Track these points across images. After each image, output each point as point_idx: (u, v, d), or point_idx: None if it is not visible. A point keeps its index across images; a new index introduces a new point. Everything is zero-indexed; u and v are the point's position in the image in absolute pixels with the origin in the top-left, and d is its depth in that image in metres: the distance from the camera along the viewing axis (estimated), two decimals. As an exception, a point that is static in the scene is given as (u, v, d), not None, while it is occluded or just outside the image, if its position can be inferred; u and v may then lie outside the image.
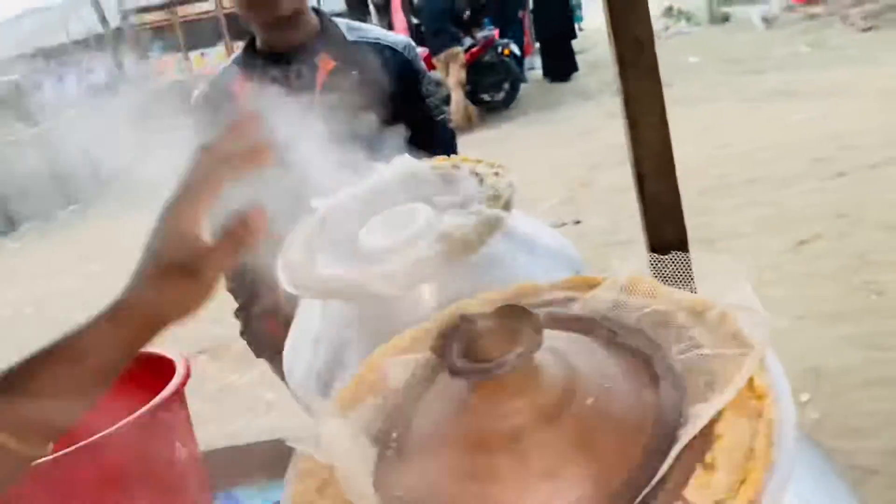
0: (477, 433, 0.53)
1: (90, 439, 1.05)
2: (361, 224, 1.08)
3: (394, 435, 0.58)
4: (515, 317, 0.55)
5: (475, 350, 0.55)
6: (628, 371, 0.57)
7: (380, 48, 1.62)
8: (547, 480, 0.50)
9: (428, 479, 0.53)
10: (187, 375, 1.19)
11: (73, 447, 1.03)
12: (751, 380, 0.52)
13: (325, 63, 1.54)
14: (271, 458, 1.35)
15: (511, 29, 9.05)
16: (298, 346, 1.06)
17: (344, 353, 0.99)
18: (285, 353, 1.10)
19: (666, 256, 0.64)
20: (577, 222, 4.84)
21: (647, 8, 1.17)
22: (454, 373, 0.52)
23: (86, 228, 7.39)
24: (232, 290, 1.79)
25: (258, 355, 1.87)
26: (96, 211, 7.64)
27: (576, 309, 0.65)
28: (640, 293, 0.64)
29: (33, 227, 8.08)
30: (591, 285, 0.67)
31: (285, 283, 1.01)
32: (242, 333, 1.86)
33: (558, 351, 0.57)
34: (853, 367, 2.77)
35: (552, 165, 5.99)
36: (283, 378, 1.31)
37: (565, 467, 0.50)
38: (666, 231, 1.24)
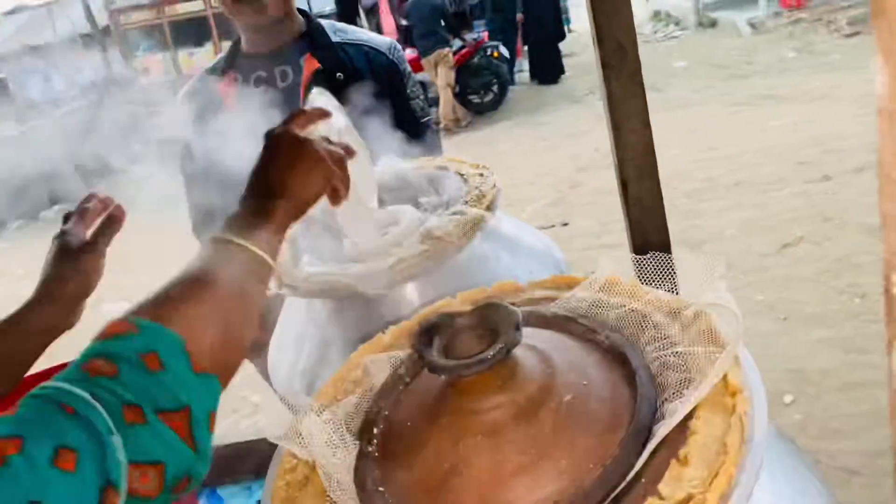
0: (456, 429, 0.54)
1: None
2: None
3: (375, 431, 0.59)
4: (495, 314, 0.56)
5: (455, 347, 0.56)
6: (605, 368, 0.58)
7: (364, 50, 1.63)
8: (524, 475, 0.50)
9: (408, 474, 0.54)
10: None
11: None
12: (724, 377, 0.53)
13: (310, 64, 1.55)
14: (255, 457, 1.35)
15: (507, 31, 9.05)
16: (283, 344, 1.07)
17: (328, 352, 1.00)
18: (270, 351, 1.10)
19: (646, 256, 0.65)
20: (565, 224, 4.85)
21: (631, 13, 1.18)
22: (433, 369, 0.53)
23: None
24: None
25: None
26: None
27: (555, 308, 0.66)
28: (617, 293, 0.65)
29: (21, 226, 8.00)
30: (571, 285, 0.68)
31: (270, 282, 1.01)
32: None
33: (537, 348, 0.58)
34: (835, 369, 2.79)
35: (540, 168, 6.01)
36: (267, 378, 1.31)
37: (542, 462, 0.51)
38: (649, 233, 1.24)
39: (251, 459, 1.36)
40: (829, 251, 3.66)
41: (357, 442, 0.58)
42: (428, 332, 0.56)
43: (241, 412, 3.38)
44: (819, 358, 2.89)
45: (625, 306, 0.63)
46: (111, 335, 0.52)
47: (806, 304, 3.27)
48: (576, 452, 0.51)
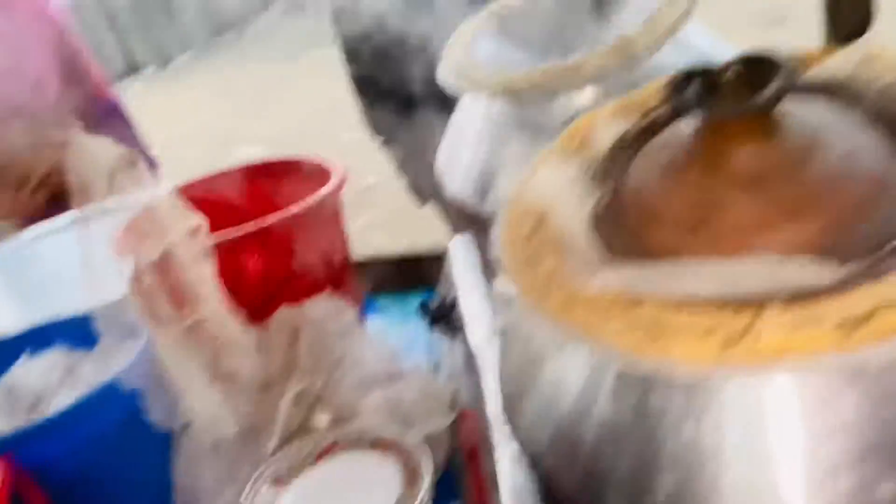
0: (711, 178, 0.51)
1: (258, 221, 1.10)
2: (534, 26, 1.04)
3: (615, 179, 0.57)
4: (758, 67, 0.51)
5: (712, 101, 0.52)
6: (873, 137, 0.53)
7: None
8: (789, 223, 0.47)
9: (651, 222, 0.52)
10: (343, 180, 1.23)
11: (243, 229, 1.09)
12: None
13: None
14: (411, 270, 1.40)
15: None
16: (457, 145, 1.06)
17: (504, 151, 0.98)
18: (440, 155, 1.10)
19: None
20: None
21: None
22: (699, 104, 0.49)
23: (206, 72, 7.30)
24: None
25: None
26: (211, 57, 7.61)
27: (809, 78, 0.60)
28: (880, 68, 0.58)
29: (155, 70, 8.03)
30: (820, 58, 0.62)
31: (449, 80, 0.99)
32: None
33: (798, 113, 0.53)
34: None
35: None
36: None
37: (808, 212, 0.48)
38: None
39: (404, 272, 1.41)
40: None
41: (596, 189, 0.56)
42: (681, 84, 0.52)
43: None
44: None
45: (886, 80, 0.57)
46: None
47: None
48: (844, 210, 0.48)
